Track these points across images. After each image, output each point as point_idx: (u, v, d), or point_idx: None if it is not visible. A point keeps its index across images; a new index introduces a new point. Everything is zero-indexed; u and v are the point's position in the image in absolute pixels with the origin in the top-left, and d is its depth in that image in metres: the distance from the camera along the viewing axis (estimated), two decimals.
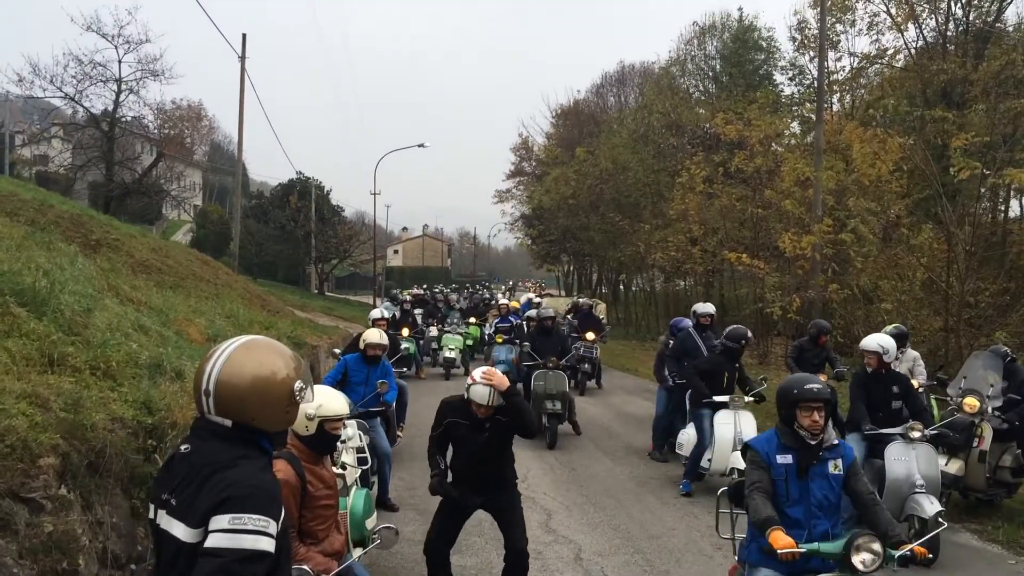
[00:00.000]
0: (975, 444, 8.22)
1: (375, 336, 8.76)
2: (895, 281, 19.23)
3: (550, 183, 41.66)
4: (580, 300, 22.50)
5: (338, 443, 5.94)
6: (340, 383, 8.43)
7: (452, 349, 17.96)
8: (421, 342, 18.50)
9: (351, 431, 6.68)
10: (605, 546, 7.15)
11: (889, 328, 10.35)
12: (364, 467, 6.73)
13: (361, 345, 8.82)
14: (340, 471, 5.88)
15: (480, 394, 5.29)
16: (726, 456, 8.54)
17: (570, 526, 7.71)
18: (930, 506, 6.77)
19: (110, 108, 32.37)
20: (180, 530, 2.37)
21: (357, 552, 5.46)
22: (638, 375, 19.79)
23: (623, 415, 14.07)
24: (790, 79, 34.68)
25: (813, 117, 24.12)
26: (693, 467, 9.07)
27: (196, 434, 2.56)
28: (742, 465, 7.62)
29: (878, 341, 7.67)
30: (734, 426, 8.66)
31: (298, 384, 2.58)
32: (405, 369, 12.50)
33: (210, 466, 2.40)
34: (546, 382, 11.20)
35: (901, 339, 10.23)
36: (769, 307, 20.43)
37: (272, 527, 2.32)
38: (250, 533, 2.27)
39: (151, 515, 2.56)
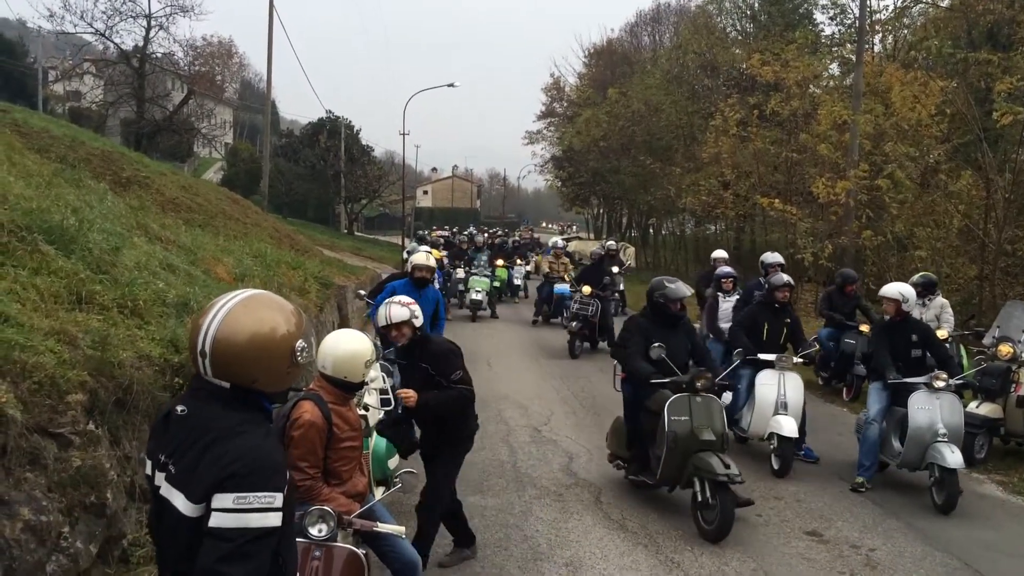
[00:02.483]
0: (1012, 389, 8.17)
1: (422, 258, 8.76)
2: (931, 228, 18.87)
3: (581, 124, 41.07)
4: (607, 244, 22.38)
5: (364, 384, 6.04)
6: None
7: (479, 291, 17.99)
8: (448, 284, 18.56)
9: (374, 373, 6.70)
10: (625, 490, 7.20)
11: (917, 277, 10.21)
12: (387, 408, 6.77)
13: (408, 267, 8.88)
14: (363, 412, 5.94)
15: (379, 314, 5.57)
16: (766, 419, 7.94)
17: (591, 470, 7.77)
18: (951, 455, 6.74)
19: (140, 44, 32.32)
20: (181, 502, 2.25)
21: (379, 492, 5.56)
22: None
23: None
24: (831, 18, 33.44)
25: (853, 58, 23.44)
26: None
27: (193, 395, 2.40)
28: (784, 431, 7.69)
29: (899, 289, 7.62)
30: (778, 388, 8.03)
31: (300, 343, 2.42)
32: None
33: (210, 433, 2.27)
34: (693, 417, 6.44)
35: (930, 287, 10.12)
36: (800, 253, 20.16)
37: (278, 499, 2.22)
38: (257, 511, 2.17)
39: (148, 471, 2.45)
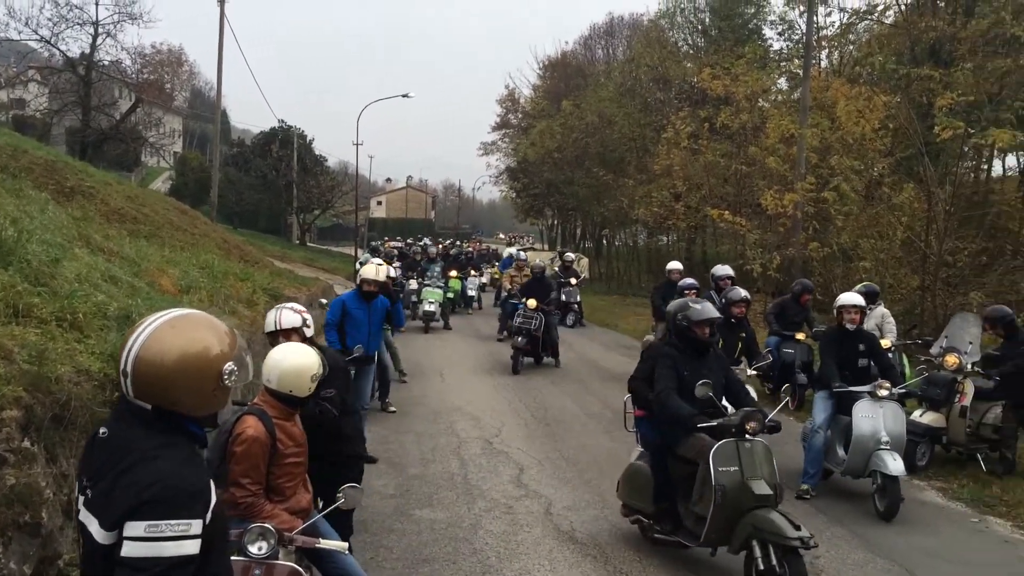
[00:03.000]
0: (957, 400, 8.38)
1: (371, 272, 8.72)
2: (875, 240, 19.29)
3: (535, 136, 41.28)
4: (565, 255, 22.55)
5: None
6: (341, 324, 8.51)
7: (432, 303, 17.93)
8: (401, 295, 18.47)
9: None
10: (575, 501, 7.22)
11: (859, 287, 10.44)
12: None
13: (357, 280, 8.86)
14: None
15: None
16: None
17: (541, 481, 7.77)
18: (893, 463, 6.89)
19: (87, 51, 31.72)
20: (95, 528, 2.18)
21: (328, 508, 5.49)
22: (617, 330, 19.88)
23: (600, 370, 14.15)
24: (779, 34, 34.27)
25: (800, 73, 23.93)
26: None
27: (117, 416, 2.34)
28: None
29: (854, 300, 7.78)
30: None
31: (228, 366, 2.34)
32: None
33: (128, 456, 2.19)
34: (743, 466, 5.45)
35: (872, 297, 10.35)
36: (749, 264, 20.47)
37: (195, 527, 2.15)
38: (170, 540, 2.10)
39: (76, 496, 2.36)
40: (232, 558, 3.79)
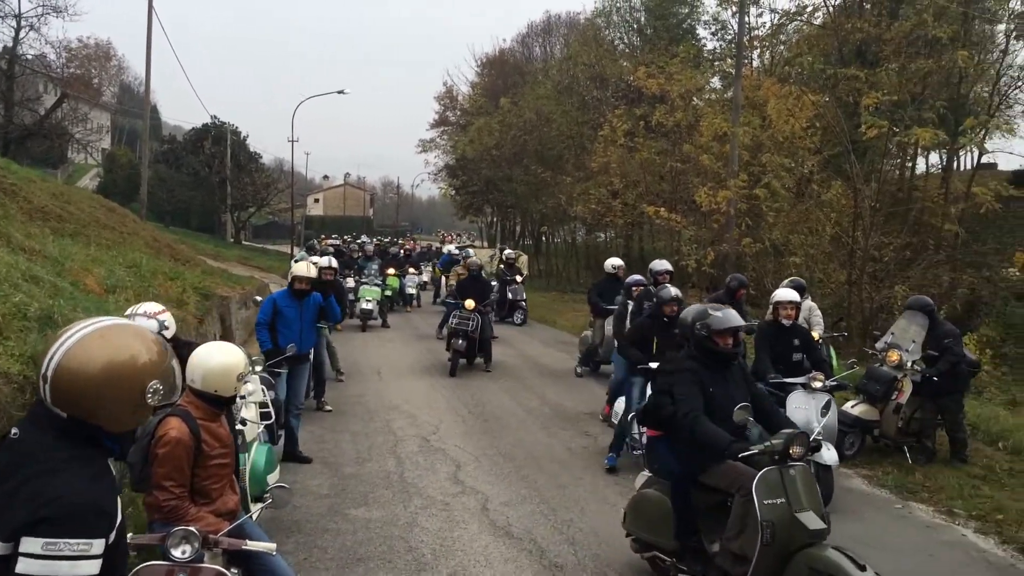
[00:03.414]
0: (894, 397, 8.63)
1: (302, 269, 8.58)
2: (805, 235, 19.80)
3: (474, 133, 41.23)
4: (506, 253, 22.53)
5: (237, 399, 5.85)
6: (273, 323, 8.34)
7: (369, 301, 17.77)
8: (343, 298, 18.25)
9: (252, 386, 6.53)
10: (512, 496, 7.23)
11: (787, 281, 10.65)
12: (267, 422, 6.60)
13: (289, 278, 8.67)
14: (240, 427, 5.77)
15: None
16: None
17: (478, 477, 7.76)
18: (827, 453, 7.01)
19: (9, 45, 30.59)
20: None
21: (256, 509, 5.40)
22: (556, 327, 19.98)
23: (539, 367, 14.20)
24: (712, 34, 34.97)
25: (733, 72, 24.38)
26: (619, 440, 8.26)
27: (31, 419, 2.25)
28: None
29: (790, 296, 7.99)
30: None
31: (153, 384, 2.27)
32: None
33: (32, 465, 2.11)
34: (790, 497, 4.85)
35: (799, 291, 10.56)
36: (684, 260, 20.79)
37: (96, 546, 2.09)
38: (68, 559, 2.04)
39: None
40: (156, 563, 3.72)
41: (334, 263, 11.64)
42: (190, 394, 4.21)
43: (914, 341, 8.86)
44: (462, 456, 8.47)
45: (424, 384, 12.25)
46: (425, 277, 26.17)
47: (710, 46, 34.62)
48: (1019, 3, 26.14)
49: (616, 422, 8.55)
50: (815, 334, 10.47)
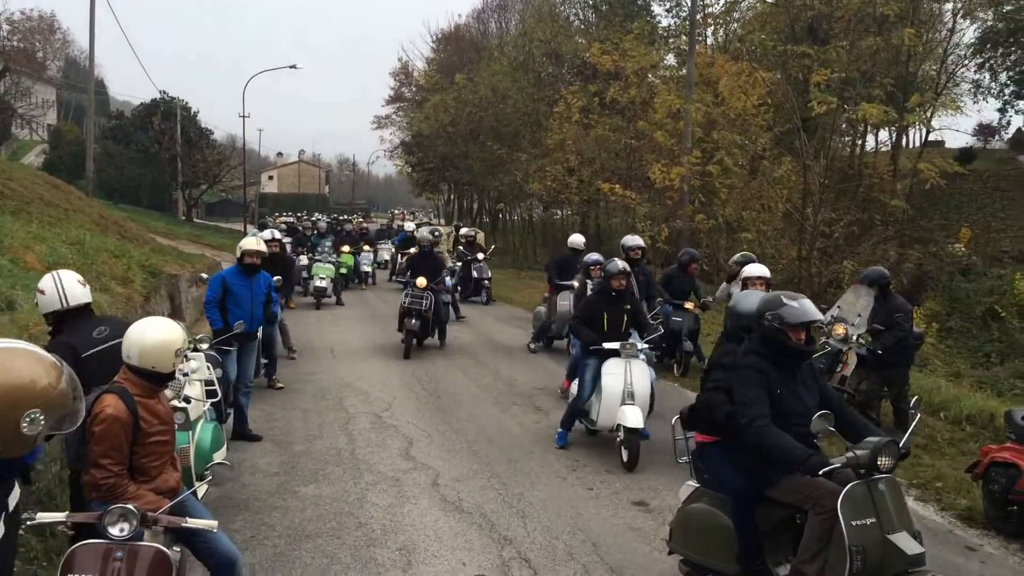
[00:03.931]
0: (839, 369, 8.76)
1: (251, 243, 8.43)
2: (758, 212, 20.04)
3: (429, 110, 40.93)
4: (464, 231, 22.32)
5: (180, 376, 5.75)
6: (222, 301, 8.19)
7: (323, 278, 17.58)
8: (293, 271, 18.03)
9: (196, 363, 6.43)
10: (463, 471, 7.24)
11: (737, 256, 10.76)
12: (213, 400, 6.51)
13: (238, 253, 8.49)
14: (184, 404, 5.67)
15: None
16: (614, 410, 7.59)
17: (430, 453, 7.76)
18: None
19: None
20: None
21: (199, 487, 5.33)
22: (512, 303, 19.98)
23: (493, 343, 14.20)
24: (667, 10, 34.97)
25: (687, 49, 24.48)
26: (568, 419, 8.16)
27: None
28: (629, 422, 7.34)
29: (760, 271, 7.82)
30: (624, 377, 7.67)
31: (33, 413, 2.17)
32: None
33: None
34: (881, 517, 4.12)
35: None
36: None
37: None
38: None
39: None
40: (93, 541, 3.65)
41: (277, 235, 11.50)
42: (127, 371, 4.12)
43: (860, 315, 9.00)
44: (414, 432, 8.45)
45: (378, 361, 12.18)
46: (385, 255, 26.00)
47: (665, 23, 34.67)
48: None
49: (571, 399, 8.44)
50: None
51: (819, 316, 4.59)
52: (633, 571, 5.38)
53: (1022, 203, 29.08)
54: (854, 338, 8.87)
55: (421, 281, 12.54)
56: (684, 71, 25.97)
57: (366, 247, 23.62)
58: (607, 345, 7.78)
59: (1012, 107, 33.93)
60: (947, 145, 36.95)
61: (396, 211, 40.11)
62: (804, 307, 4.41)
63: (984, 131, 40.51)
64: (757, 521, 4.41)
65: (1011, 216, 28.98)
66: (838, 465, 4.02)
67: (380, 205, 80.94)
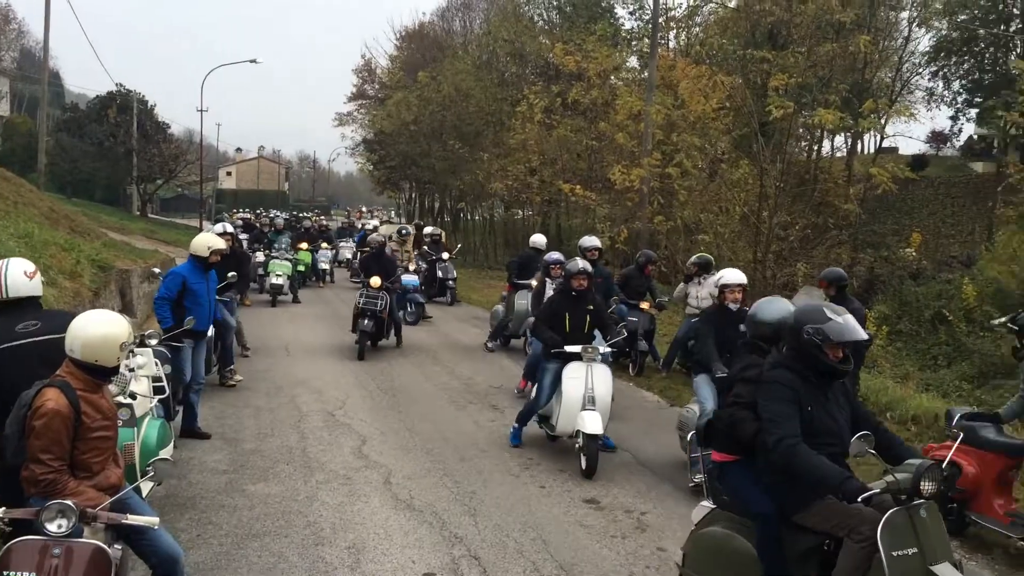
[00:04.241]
0: None
1: (215, 241, 8.31)
2: (716, 214, 20.24)
3: (392, 107, 40.73)
4: (428, 230, 22.10)
5: (125, 371, 5.66)
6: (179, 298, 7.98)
7: (279, 275, 17.39)
8: (248, 268, 17.80)
9: (143, 359, 6.33)
10: (416, 470, 7.21)
11: (694, 257, 10.89)
12: (161, 396, 6.41)
13: (198, 250, 8.29)
14: (129, 400, 5.58)
15: None
16: (574, 415, 7.36)
17: (383, 451, 7.71)
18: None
19: None
20: None
21: (141, 484, 5.24)
22: (471, 303, 19.96)
23: (450, 342, 14.18)
24: (630, 13, 35.15)
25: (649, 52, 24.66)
26: (524, 417, 8.06)
27: None
28: (588, 428, 7.09)
29: (738, 278, 7.35)
30: (585, 381, 7.44)
31: None
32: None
33: None
34: (924, 547, 3.83)
35: (706, 267, 10.85)
36: (599, 237, 20.99)
37: None
38: None
39: None
40: (30, 537, 3.58)
41: (229, 228, 11.36)
42: (69, 364, 4.03)
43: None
44: (368, 431, 8.40)
45: (333, 360, 12.09)
46: (347, 254, 25.81)
47: (628, 25, 34.85)
48: None
49: (529, 399, 8.31)
50: None
51: (864, 335, 4.26)
52: (582, 567, 5.40)
53: (971, 210, 29.78)
54: None
55: (375, 281, 12.31)
56: (646, 74, 26.18)
57: (325, 244, 23.46)
58: (569, 348, 7.59)
59: (964, 115, 34.82)
60: (901, 151, 37.79)
61: (350, 209, 39.93)
62: (849, 324, 4.07)
63: (937, 138, 41.52)
64: (785, 549, 4.09)
65: (960, 222, 29.68)
66: (878, 490, 3.71)
67: (341, 203, 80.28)
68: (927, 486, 3.71)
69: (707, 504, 4.63)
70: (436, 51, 46.13)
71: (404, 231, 18.12)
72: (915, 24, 30.80)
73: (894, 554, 3.60)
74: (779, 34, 24.37)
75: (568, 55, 25.24)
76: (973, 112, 33.56)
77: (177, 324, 7.75)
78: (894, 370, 12.99)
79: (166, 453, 6.05)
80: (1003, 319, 6.10)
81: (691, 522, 4.70)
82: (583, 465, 7.24)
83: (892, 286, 18.45)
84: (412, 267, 17.08)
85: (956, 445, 5.52)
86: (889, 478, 3.74)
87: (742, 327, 6.58)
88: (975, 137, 37.79)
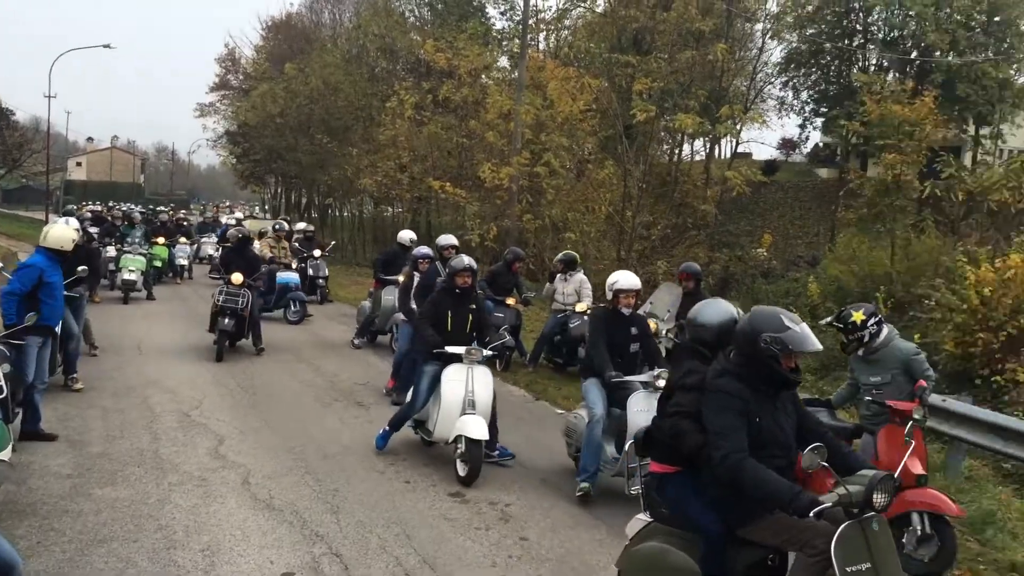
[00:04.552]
0: None
1: (70, 232, 7.80)
2: (582, 213, 20.73)
3: (256, 99, 39.51)
4: (300, 226, 21.44)
5: None
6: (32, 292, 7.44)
7: (132, 271, 16.53)
8: (99, 263, 16.82)
9: None
10: (276, 468, 7.01)
11: (560, 255, 11.11)
12: None
13: (50, 243, 7.77)
14: None
15: None
16: (453, 420, 6.99)
17: (242, 451, 7.46)
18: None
19: None
20: None
21: None
22: (338, 300, 19.62)
23: (316, 339, 13.89)
24: (501, 13, 35.52)
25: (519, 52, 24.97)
26: (397, 423, 7.62)
27: None
28: (472, 432, 6.78)
29: (633, 283, 7.00)
30: (465, 384, 7.07)
31: None
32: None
33: None
34: (876, 563, 3.69)
35: (571, 264, 11.10)
36: (469, 234, 21.12)
37: None
38: None
39: None
40: None
41: (74, 222, 10.75)
42: None
43: (668, 310, 9.51)
44: (226, 430, 8.10)
45: (190, 359, 11.59)
46: (209, 250, 24.86)
47: (499, 25, 35.19)
48: (775, 4, 28.72)
49: (402, 403, 7.93)
50: (582, 306, 11.07)
51: (819, 345, 4.05)
52: (445, 560, 5.40)
53: (817, 213, 31.74)
54: (664, 332, 9.35)
55: (237, 277, 11.67)
56: (516, 74, 26.53)
57: (183, 239, 22.52)
58: (450, 349, 7.20)
59: (811, 123, 36.88)
60: (754, 156, 39.84)
61: (205, 204, 38.58)
62: (807, 333, 3.90)
63: (787, 145, 43.93)
64: (728, 565, 3.95)
65: (807, 224, 31.59)
66: (830, 504, 3.56)
67: (201, 197, 77.12)
68: (879, 499, 3.60)
69: (643, 517, 4.41)
70: (304, 43, 45.08)
71: (279, 226, 17.46)
72: (768, 36, 32.62)
73: (848, 569, 3.50)
74: (643, 40, 25.22)
75: (439, 52, 25.21)
76: (819, 121, 35.65)
77: (19, 321, 7.27)
78: None
79: (4, 456, 5.64)
80: (829, 319, 6.47)
81: (624, 536, 4.49)
82: (462, 472, 6.88)
83: (745, 284, 19.48)
84: (295, 264, 16.54)
85: None
86: (841, 491, 3.58)
87: (633, 330, 6.89)
88: (821, 145, 40.20)
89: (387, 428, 7.67)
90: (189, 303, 17.46)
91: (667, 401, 4.35)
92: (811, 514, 3.54)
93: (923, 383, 5.72)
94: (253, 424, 8.41)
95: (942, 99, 22.23)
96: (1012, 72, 30.32)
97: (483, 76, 27.17)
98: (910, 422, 5.26)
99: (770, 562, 3.92)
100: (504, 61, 31.53)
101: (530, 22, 25.18)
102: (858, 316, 5.90)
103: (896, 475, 3.86)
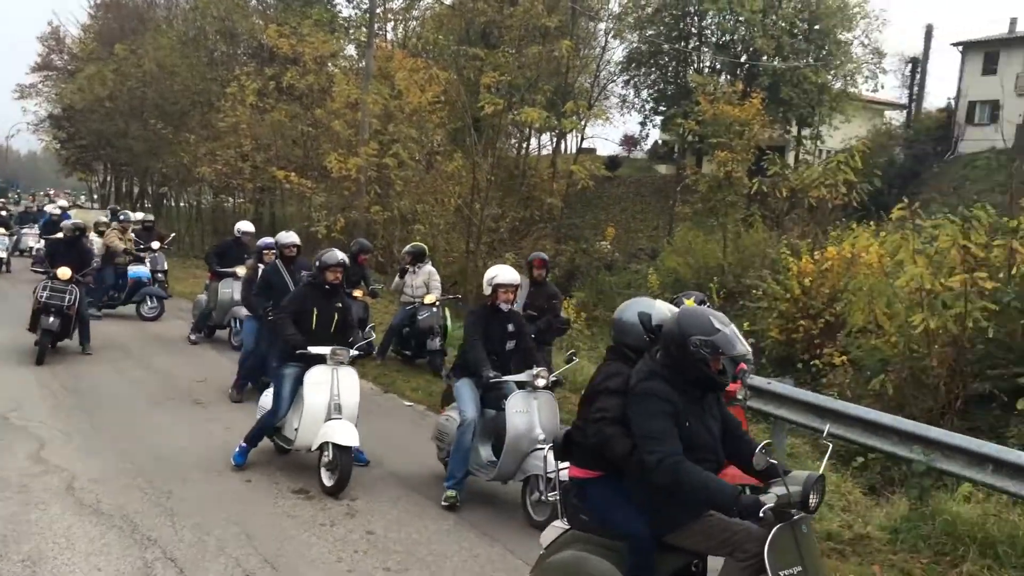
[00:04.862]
0: None
1: None
2: (432, 205, 20.72)
3: (83, 81, 36.98)
4: (139, 216, 20.03)
5: None
6: None
7: None
8: None
9: None
10: (104, 472, 6.61)
11: (408, 247, 11.06)
12: None
13: None
14: None
15: None
16: (317, 426, 6.54)
17: (66, 455, 6.99)
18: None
19: None
20: None
21: None
22: (176, 294, 18.66)
23: (148, 335, 13.20)
24: (348, 1, 34.95)
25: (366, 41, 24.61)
26: (256, 435, 7.00)
27: None
28: (340, 439, 6.33)
29: (513, 278, 6.70)
30: (331, 388, 6.66)
31: None
32: None
33: None
34: (807, 565, 3.67)
35: (420, 256, 11.09)
36: (315, 226, 20.65)
37: None
38: None
39: None
40: None
41: None
42: None
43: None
44: (48, 433, 7.56)
45: (7, 359, 10.71)
46: (31, 242, 23.04)
47: (345, 13, 34.56)
48: (617, 5, 29.72)
49: (242, 401, 7.55)
50: (431, 297, 11.08)
51: (747, 347, 4.06)
52: (288, 559, 5.28)
53: (656, 207, 33.12)
54: None
55: (64, 272, 10.71)
56: (363, 63, 26.12)
57: (1, 230, 20.84)
58: (313, 349, 6.69)
59: (651, 121, 38.41)
60: (599, 152, 41.08)
61: (20, 193, 35.83)
62: (736, 335, 3.85)
63: (628, 141, 45.56)
64: (655, 573, 3.84)
65: (647, 218, 32.93)
66: (772, 505, 3.48)
67: (20, 184, 71.34)
68: (814, 499, 3.58)
69: (560, 525, 4.24)
70: (136, 23, 42.53)
71: (124, 216, 16.33)
72: (611, 35, 33.68)
73: (781, 573, 3.45)
74: (491, 34, 25.46)
75: (283, 38, 24.44)
76: (659, 119, 37.15)
77: None
78: (590, 353, 14.09)
79: None
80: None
81: (540, 545, 4.29)
82: (328, 482, 6.45)
83: (590, 275, 20.08)
84: (147, 258, 15.51)
85: None
86: (780, 491, 3.54)
87: (510, 327, 6.63)
88: (660, 142, 41.95)
89: (243, 444, 6.99)
90: (8, 300, 16.14)
91: (588, 405, 4.14)
92: (760, 513, 3.47)
93: (744, 366, 6.10)
94: (78, 426, 7.89)
95: (768, 101, 23.76)
96: (830, 77, 32.78)
97: (329, 64, 26.60)
98: (734, 402, 5.61)
99: (693, 568, 3.91)
100: (351, 49, 31.05)
101: (377, 11, 24.90)
102: (689, 303, 6.21)
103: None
